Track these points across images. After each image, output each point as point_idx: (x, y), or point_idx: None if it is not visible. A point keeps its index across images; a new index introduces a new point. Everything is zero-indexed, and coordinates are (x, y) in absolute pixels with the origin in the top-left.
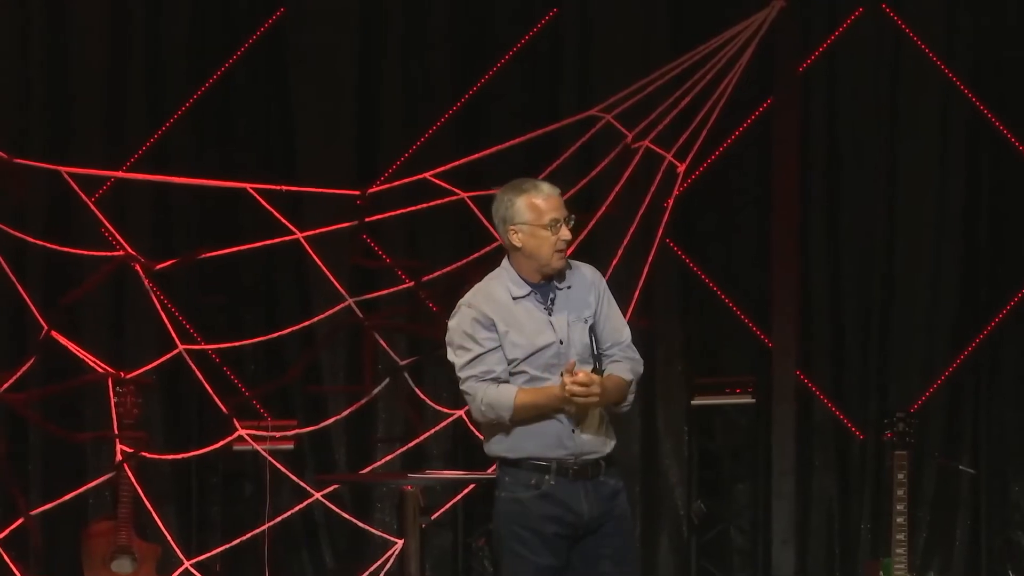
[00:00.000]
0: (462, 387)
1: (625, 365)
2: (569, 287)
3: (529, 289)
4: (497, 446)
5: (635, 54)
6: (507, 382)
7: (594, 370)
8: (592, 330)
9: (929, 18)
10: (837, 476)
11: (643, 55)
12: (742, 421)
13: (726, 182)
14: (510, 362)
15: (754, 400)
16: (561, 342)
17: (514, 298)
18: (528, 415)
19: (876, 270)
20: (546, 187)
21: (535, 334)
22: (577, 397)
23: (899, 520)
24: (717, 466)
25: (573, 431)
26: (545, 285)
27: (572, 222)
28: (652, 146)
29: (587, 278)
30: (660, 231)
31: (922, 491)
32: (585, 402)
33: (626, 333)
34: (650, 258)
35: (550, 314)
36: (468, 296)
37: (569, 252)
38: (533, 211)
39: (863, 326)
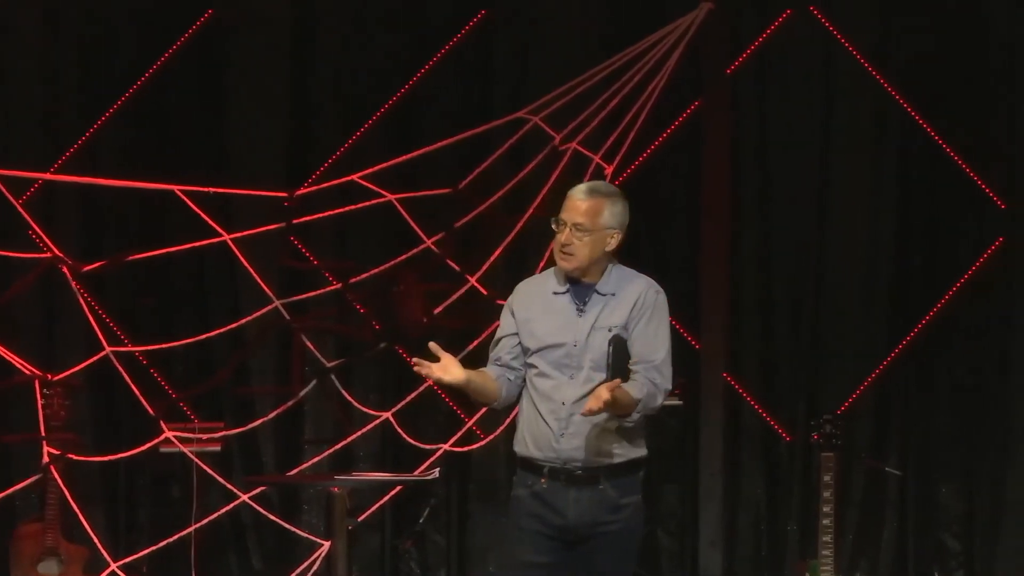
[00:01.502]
0: None
1: (640, 384)
2: (613, 295)
3: (568, 287)
4: (515, 438)
5: (567, 56)
6: (515, 369)
7: (608, 380)
8: (613, 340)
9: (859, 20)
10: (765, 478)
11: (575, 57)
12: (670, 423)
13: (655, 184)
14: (525, 351)
15: (682, 402)
16: (575, 344)
17: (554, 292)
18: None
19: (806, 273)
20: (580, 188)
21: (554, 331)
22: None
23: (826, 522)
24: (645, 468)
25: (561, 436)
26: (584, 287)
27: (581, 231)
28: (580, 148)
29: (635, 291)
30: None
31: (849, 493)
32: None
33: (659, 355)
34: None
35: (579, 315)
36: (523, 281)
37: (574, 260)
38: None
39: (791, 329)
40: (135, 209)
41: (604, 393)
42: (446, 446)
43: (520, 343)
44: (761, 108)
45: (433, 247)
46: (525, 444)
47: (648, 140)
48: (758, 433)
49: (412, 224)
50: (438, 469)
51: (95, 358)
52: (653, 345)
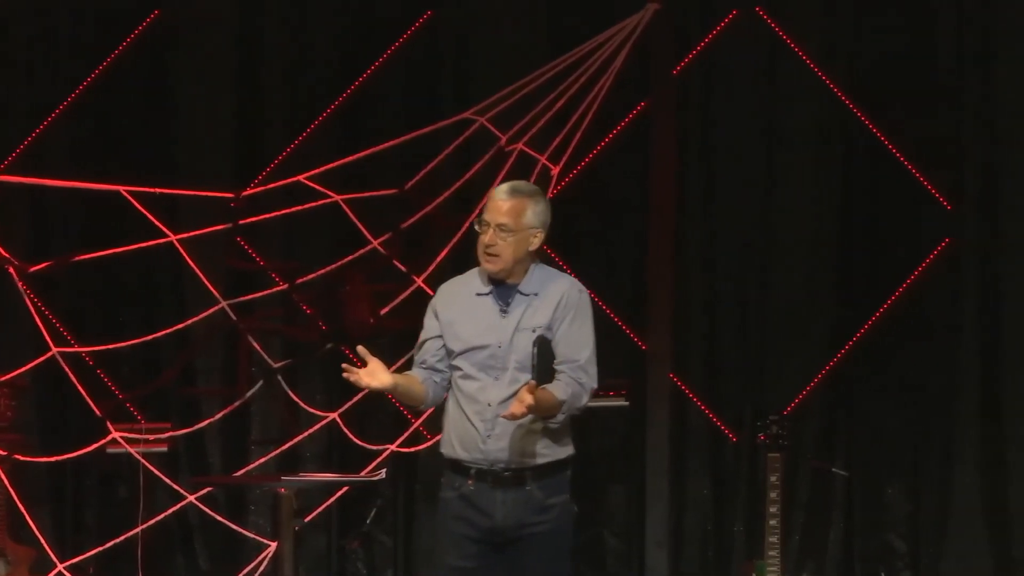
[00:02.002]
0: None
1: (565, 385)
2: (536, 295)
3: (491, 288)
4: (441, 440)
5: (513, 56)
6: (440, 371)
7: (534, 380)
8: (538, 341)
9: (804, 21)
10: (711, 478)
11: (521, 57)
12: (616, 424)
13: (601, 185)
14: (449, 354)
15: (628, 403)
16: (500, 345)
17: (477, 294)
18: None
19: (751, 273)
20: (503, 189)
21: (478, 332)
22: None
23: (772, 522)
24: (591, 469)
25: (488, 437)
26: (507, 288)
27: (505, 231)
28: (526, 148)
29: (558, 291)
30: None
31: (796, 493)
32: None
33: (583, 354)
34: None
35: (503, 316)
36: (446, 282)
37: (498, 261)
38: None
39: (738, 329)
40: (82, 210)
41: (526, 397)
42: (393, 447)
43: (444, 345)
44: (707, 108)
45: (380, 248)
46: (452, 446)
47: (595, 141)
48: (704, 434)
49: (359, 225)
50: (385, 470)
51: (42, 359)
52: (577, 345)
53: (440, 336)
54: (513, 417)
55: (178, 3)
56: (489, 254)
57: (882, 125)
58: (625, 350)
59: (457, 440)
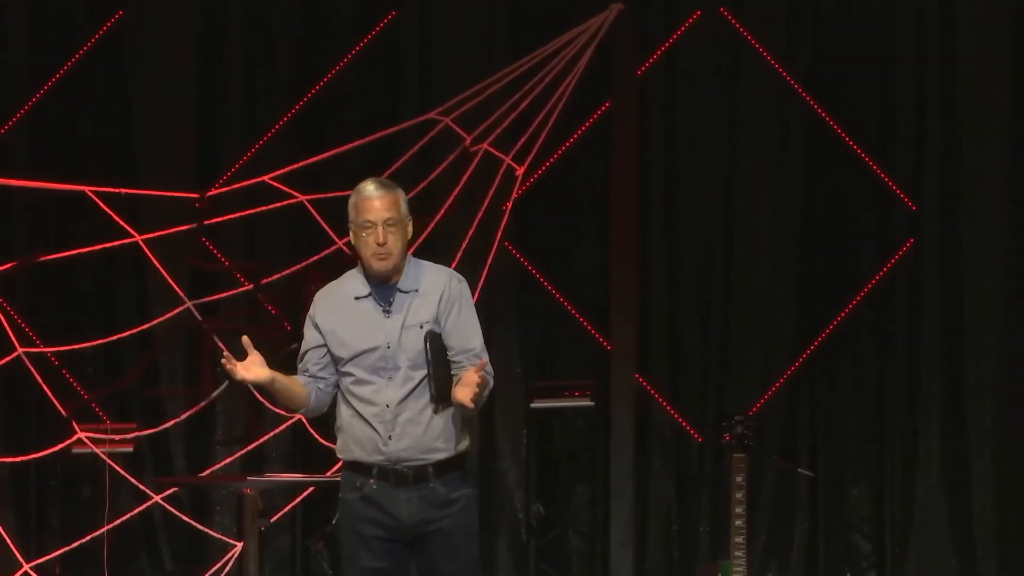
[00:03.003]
0: None
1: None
2: (416, 291)
3: (369, 290)
4: (337, 446)
5: (476, 57)
6: (324, 379)
7: (428, 376)
8: (428, 336)
9: (767, 21)
10: (676, 478)
11: (484, 58)
12: (580, 424)
13: (565, 185)
14: (338, 361)
15: (593, 403)
16: (389, 345)
17: (356, 297)
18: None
19: (714, 274)
20: (370, 187)
21: (363, 336)
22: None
23: (738, 523)
24: (555, 469)
25: (389, 438)
26: (386, 287)
27: (393, 225)
28: (491, 149)
29: (438, 283)
30: (499, 234)
31: (761, 493)
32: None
33: (476, 341)
34: (489, 261)
35: (387, 317)
36: (320, 290)
37: (391, 258)
38: (355, 210)
39: (701, 329)
40: (45, 210)
41: (473, 377)
42: None
43: (329, 353)
44: (668, 109)
45: (344, 248)
46: (350, 450)
47: (558, 142)
48: (669, 434)
49: (323, 225)
50: None
51: (7, 359)
52: (468, 334)
53: (323, 345)
54: (473, 398)
55: (141, 3)
56: (383, 254)
57: (844, 125)
58: (590, 350)
59: (355, 443)
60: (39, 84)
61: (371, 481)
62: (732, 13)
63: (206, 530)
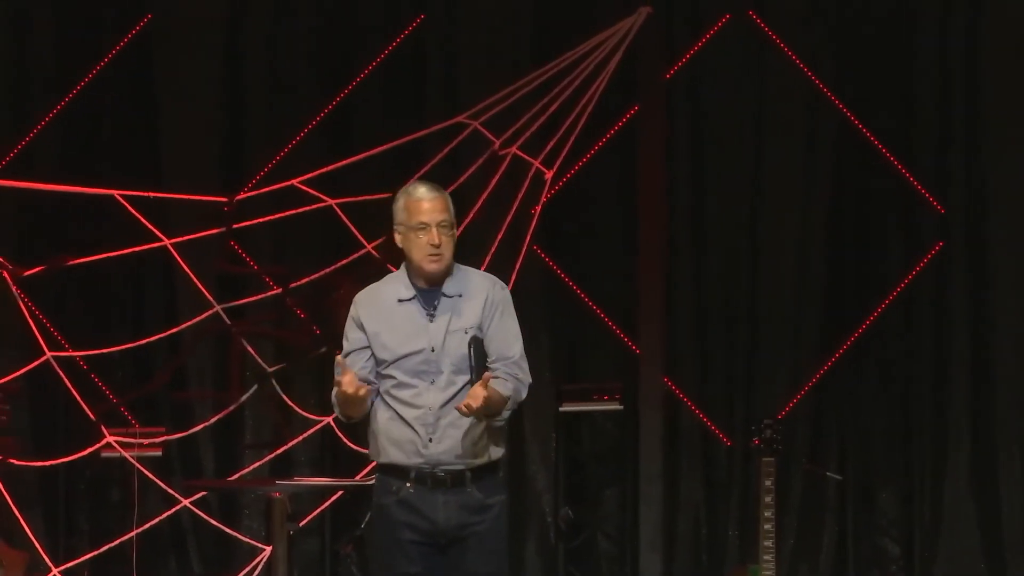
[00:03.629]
0: None
1: (505, 381)
2: (460, 295)
3: (414, 293)
4: (370, 450)
5: (502, 60)
6: (372, 382)
7: (471, 382)
8: (472, 342)
9: (795, 25)
10: (704, 482)
11: (510, 61)
12: (609, 427)
13: (593, 189)
14: (379, 363)
15: (621, 406)
16: (432, 349)
17: (399, 300)
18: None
19: (742, 277)
20: (422, 189)
21: (406, 339)
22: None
23: (766, 526)
24: (584, 472)
25: (430, 440)
26: (431, 291)
27: (447, 227)
28: (520, 152)
29: (481, 289)
30: (528, 238)
31: (789, 497)
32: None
33: (515, 349)
34: (518, 265)
35: (431, 320)
36: (360, 292)
37: (444, 259)
38: (406, 212)
39: (730, 332)
40: (73, 215)
41: (480, 392)
42: None
43: (373, 355)
44: (695, 112)
45: (373, 251)
46: (387, 453)
47: (586, 145)
48: (697, 438)
49: (352, 228)
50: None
51: (36, 363)
52: (508, 342)
53: (368, 347)
54: (469, 410)
55: (165, 6)
56: (437, 255)
57: (872, 127)
58: (618, 354)
59: (393, 446)
60: (67, 88)
61: (408, 485)
62: (760, 17)
63: (235, 534)
